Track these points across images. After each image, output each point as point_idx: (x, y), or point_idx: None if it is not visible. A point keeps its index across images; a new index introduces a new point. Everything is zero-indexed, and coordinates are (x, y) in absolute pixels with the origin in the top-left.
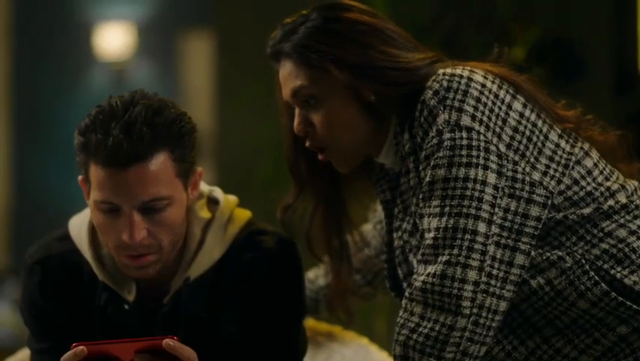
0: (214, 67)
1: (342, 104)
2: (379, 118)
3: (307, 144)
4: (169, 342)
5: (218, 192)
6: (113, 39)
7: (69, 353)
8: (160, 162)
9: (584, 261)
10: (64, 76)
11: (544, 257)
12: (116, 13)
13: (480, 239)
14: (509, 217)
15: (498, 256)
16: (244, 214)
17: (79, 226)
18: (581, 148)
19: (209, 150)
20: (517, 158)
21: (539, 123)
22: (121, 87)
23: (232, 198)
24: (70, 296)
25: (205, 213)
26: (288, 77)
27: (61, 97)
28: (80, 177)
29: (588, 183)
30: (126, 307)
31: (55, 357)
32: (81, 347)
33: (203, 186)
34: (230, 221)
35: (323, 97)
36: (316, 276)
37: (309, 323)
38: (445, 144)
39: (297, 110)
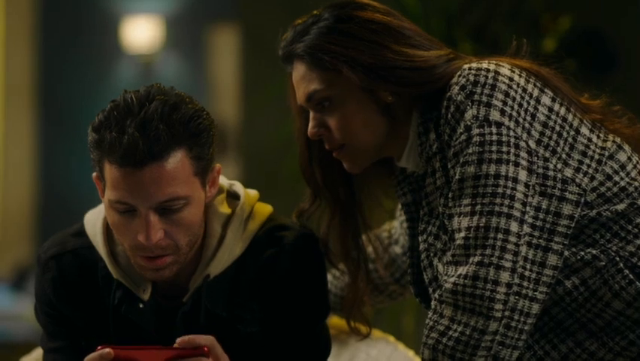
0: (241, 61)
1: (357, 106)
2: (398, 119)
3: (326, 146)
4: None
5: (238, 187)
6: (141, 32)
7: (95, 354)
8: (177, 161)
9: (618, 258)
10: (92, 69)
11: (578, 256)
12: (144, 6)
13: (512, 239)
14: (541, 216)
15: (530, 257)
16: (265, 209)
17: (94, 221)
18: (614, 142)
19: (235, 144)
20: (547, 154)
21: (569, 117)
22: (148, 80)
23: (253, 193)
24: (84, 293)
25: (225, 209)
26: (301, 80)
27: (88, 90)
28: (94, 174)
29: (622, 178)
30: (141, 306)
31: (68, 356)
32: (107, 350)
33: (223, 181)
34: (251, 216)
35: (337, 99)
36: (342, 272)
37: (334, 320)
38: (475, 139)
39: (311, 114)
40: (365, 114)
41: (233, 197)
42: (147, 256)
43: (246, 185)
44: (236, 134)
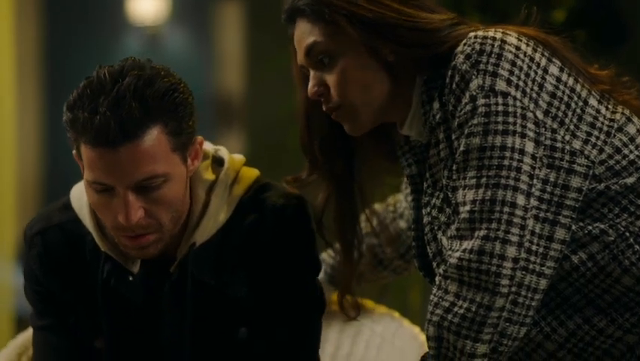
0: (246, 33)
1: (357, 63)
2: (400, 81)
3: (324, 107)
4: None
5: (223, 152)
6: (148, 4)
7: None
8: (153, 138)
9: (627, 234)
10: (98, 40)
11: (586, 231)
12: None
13: (519, 212)
14: (548, 189)
15: (537, 231)
16: (251, 173)
17: (79, 194)
18: (623, 114)
19: (240, 118)
20: (555, 125)
21: (578, 88)
22: (154, 52)
23: (238, 158)
24: (71, 268)
25: (209, 175)
26: (302, 36)
27: (94, 62)
28: (73, 152)
29: (631, 151)
30: (130, 278)
31: (57, 334)
32: None
33: (208, 146)
34: (236, 181)
35: (337, 55)
36: (336, 251)
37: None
38: (480, 110)
39: (311, 74)
40: (365, 72)
41: (218, 163)
42: (129, 235)
43: (250, 158)
44: (241, 107)
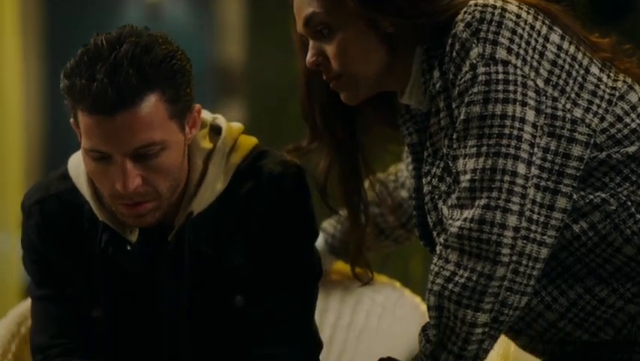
0: (247, 2)
1: (356, 34)
2: (399, 52)
3: (324, 76)
4: None
5: (221, 120)
6: None
7: None
8: (150, 106)
9: (629, 203)
10: (99, 10)
11: (587, 200)
12: None
13: (520, 181)
14: (549, 158)
15: (538, 200)
16: (249, 141)
17: (77, 163)
18: (624, 82)
19: (240, 86)
20: (556, 94)
21: (579, 56)
22: (156, 22)
23: (236, 126)
24: (69, 238)
25: (207, 144)
26: (301, 5)
27: (95, 31)
28: (71, 120)
29: (632, 120)
30: (128, 247)
31: (56, 304)
32: None
33: (206, 115)
34: (233, 150)
35: (336, 26)
36: (342, 218)
37: (339, 265)
38: (480, 78)
39: (310, 44)
40: (364, 43)
41: (216, 131)
42: (127, 203)
43: (251, 127)
44: (242, 76)
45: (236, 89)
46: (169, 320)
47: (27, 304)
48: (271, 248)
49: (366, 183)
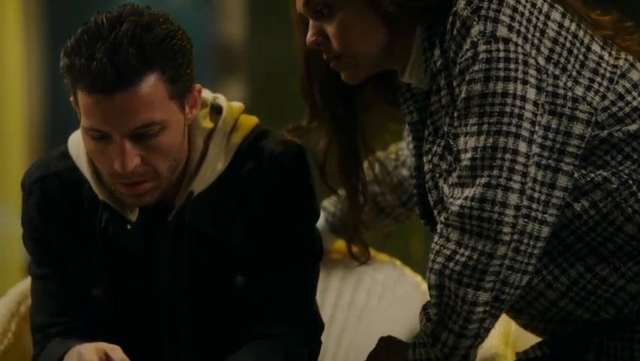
0: None
1: (356, 14)
2: (399, 31)
3: (324, 56)
4: None
5: (221, 100)
6: None
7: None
8: (150, 86)
9: (631, 181)
10: None
11: (588, 178)
12: None
13: (521, 159)
14: (550, 136)
15: (539, 178)
16: (250, 121)
17: (77, 142)
18: (626, 60)
19: (241, 66)
20: (557, 72)
21: (580, 34)
22: (156, 1)
23: (237, 105)
24: (69, 217)
25: (207, 123)
26: None
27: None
28: (71, 99)
29: (634, 98)
30: (128, 227)
31: (56, 282)
32: None
33: (207, 94)
34: (234, 129)
35: (336, 6)
36: (341, 198)
37: (340, 244)
38: (481, 56)
39: (310, 23)
40: (364, 23)
41: (217, 111)
42: (126, 183)
43: (251, 107)
44: (242, 55)
45: (237, 69)
46: (169, 299)
47: (27, 282)
48: (272, 228)
49: (366, 163)
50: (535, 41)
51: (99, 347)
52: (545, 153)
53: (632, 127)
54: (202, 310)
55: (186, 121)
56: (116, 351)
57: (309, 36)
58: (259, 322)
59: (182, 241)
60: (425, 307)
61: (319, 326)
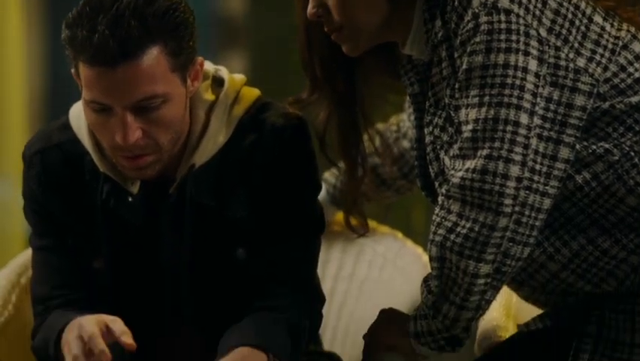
0: None
1: None
2: (401, 2)
3: (325, 28)
4: None
5: (223, 72)
6: None
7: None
8: (152, 58)
9: (632, 153)
10: None
11: (590, 150)
12: None
13: (522, 131)
14: (552, 107)
15: (541, 150)
16: (252, 93)
17: (79, 114)
18: (628, 31)
19: (242, 38)
20: (559, 43)
21: (582, 5)
22: None
23: (239, 78)
24: (70, 189)
25: (209, 96)
26: None
27: None
28: (72, 71)
29: (636, 70)
30: (130, 199)
31: (57, 254)
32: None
33: (209, 66)
34: (236, 102)
35: None
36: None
37: (341, 216)
38: (482, 28)
39: None
40: None
41: (218, 83)
42: (127, 155)
43: (252, 79)
44: (243, 27)
45: (238, 41)
46: (170, 272)
47: (27, 254)
48: (274, 200)
49: (366, 136)
50: (537, 12)
51: (100, 319)
52: (547, 125)
53: (634, 99)
54: (203, 283)
55: (188, 94)
56: (116, 323)
57: (310, 8)
58: (260, 294)
59: (183, 213)
60: (426, 280)
61: (320, 300)
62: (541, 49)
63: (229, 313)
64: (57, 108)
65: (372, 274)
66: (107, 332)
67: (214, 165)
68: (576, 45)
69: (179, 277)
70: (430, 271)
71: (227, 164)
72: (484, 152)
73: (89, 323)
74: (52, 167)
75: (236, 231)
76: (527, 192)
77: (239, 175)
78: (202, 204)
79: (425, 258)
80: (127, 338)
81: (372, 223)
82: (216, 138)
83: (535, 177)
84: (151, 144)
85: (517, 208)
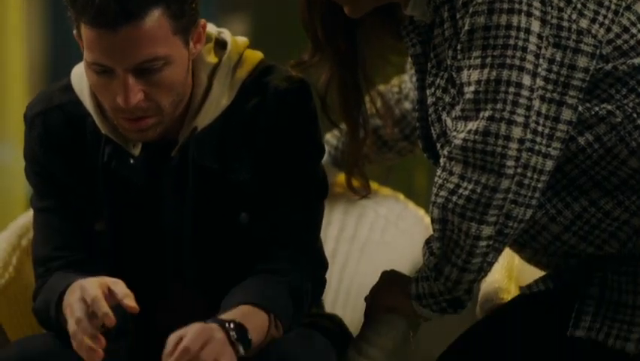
0: None
1: None
2: None
3: None
4: None
5: (226, 35)
6: None
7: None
8: (154, 20)
9: (635, 115)
10: None
11: (593, 112)
12: None
13: (525, 93)
14: (554, 69)
15: (543, 112)
16: (255, 55)
17: (80, 75)
18: None
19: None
20: (562, 4)
21: None
22: None
23: (241, 40)
24: (72, 150)
25: (212, 58)
26: None
27: None
28: (74, 32)
29: (639, 31)
30: (131, 161)
31: (58, 215)
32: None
33: (212, 29)
34: (239, 64)
35: None
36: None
37: (343, 178)
38: None
39: None
40: None
41: (221, 46)
42: (128, 117)
43: (255, 42)
44: None
45: (240, 4)
46: (172, 235)
47: (28, 216)
48: (277, 163)
49: (367, 97)
50: None
51: (102, 281)
52: (549, 86)
53: (637, 60)
54: (206, 246)
55: (190, 56)
56: (118, 285)
57: None
58: (263, 257)
59: (186, 176)
60: (428, 241)
61: (323, 265)
62: (543, 10)
63: (231, 276)
64: (58, 71)
65: (373, 236)
66: (109, 295)
67: (217, 127)
68: (579, 6)
69: (181, 239)
70: (432, 232)
71: (230, 127)
72: (487, 113)
73: (92, 286)
74: (54, 128)
75: (238, 194)
76: (529, 153)
77: (242, 138)
78: (204, 167)
79: (427, 220)
80: (129, 301)
81: (374, 185)
82: (219, 100)
83: (538, 139)
84: (152, 107)
85: (519, 170)
